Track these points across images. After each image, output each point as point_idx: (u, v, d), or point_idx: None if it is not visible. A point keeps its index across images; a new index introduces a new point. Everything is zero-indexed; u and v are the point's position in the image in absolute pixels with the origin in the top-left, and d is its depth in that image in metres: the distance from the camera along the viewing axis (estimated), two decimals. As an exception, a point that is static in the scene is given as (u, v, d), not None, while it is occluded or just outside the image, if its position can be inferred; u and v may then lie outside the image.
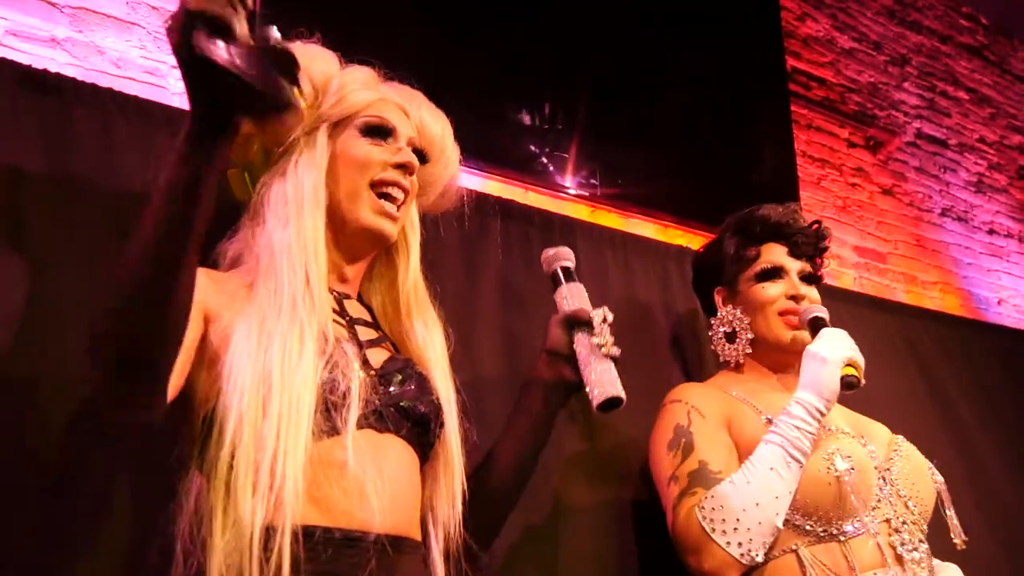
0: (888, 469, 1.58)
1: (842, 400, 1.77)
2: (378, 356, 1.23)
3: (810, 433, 1.46)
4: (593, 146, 2.37)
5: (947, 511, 1.60)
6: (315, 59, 1.30)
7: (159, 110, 1.62)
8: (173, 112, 1.64)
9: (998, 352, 2.96)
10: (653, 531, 1.66)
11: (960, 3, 4.09)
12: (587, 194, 2.32)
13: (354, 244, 1.30)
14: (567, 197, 2.29)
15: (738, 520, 1.42)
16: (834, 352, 1.50)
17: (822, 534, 1.48)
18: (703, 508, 1.45)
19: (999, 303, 3.48)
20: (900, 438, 1.67)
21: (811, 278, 1.77)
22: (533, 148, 2.28)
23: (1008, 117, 4.07)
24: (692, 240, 2.38)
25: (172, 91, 1.79)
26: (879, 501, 1.52)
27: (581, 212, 2.29)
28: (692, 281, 1.94)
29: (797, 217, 1.79)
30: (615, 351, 1.30)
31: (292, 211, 1.19)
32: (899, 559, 1.48)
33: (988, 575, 1.78)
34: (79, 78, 1.59)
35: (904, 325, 2.73)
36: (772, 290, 1.72)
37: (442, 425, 1.25)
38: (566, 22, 2.45)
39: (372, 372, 1.18)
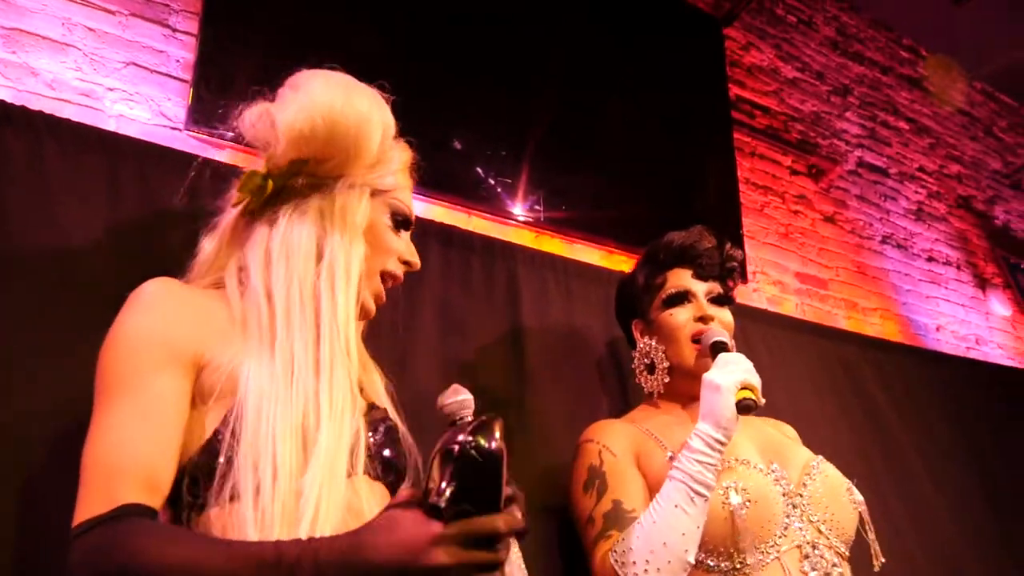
0: (799, 494, 1.56)
1: (767, 418, 1.79)
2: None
3: (711, 465, 1.45)
4: (538, 172, 2.38)
5: (867, 532, 1.60)
6: (386, 115, 1.30)
7: (93, 133, 1.60)
8: (106, 136, 1.62)
9: (936, 377, 3.02)
10: (576, 555, 1.66)
11: (901, 35, 4.20)
12: (532, 219, 2.33)
13: None
14: (512, 223, 2.30)
15: (647, 561, 1.42)
16: (727, 378, 1.48)
17: (726, 569, 1.48)
18: (615, 551, 1.45)
19: (938, 329, 3.56)
20: (818, 460, 1.63)
21: (721, 299, 1.74)
22: (479, 172, 2.29)
23: (947, 147, 4.18)
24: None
25: (108, 114, 1.77)
26: (786, 528, 1.51)
27: (526, 238, 2.30)
28: (616, 316, 1.92)
29: (701, 239, 1.77)
30: (513, 552, 1.24)
31: (341, 268, 1.18)
32: None
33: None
34: (10, 100, 1.57)
35: (844, 351, 2.78)
36: (681, 315, 1.71)
37: (404, 478, 1.25)
38: (513, 47, 2.47)
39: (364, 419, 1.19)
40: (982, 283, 3.93)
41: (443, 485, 0.89)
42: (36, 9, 1.78)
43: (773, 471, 1.57)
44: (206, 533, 1.01)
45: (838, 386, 2.68)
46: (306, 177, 1.22)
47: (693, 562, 1.42)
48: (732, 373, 1.48)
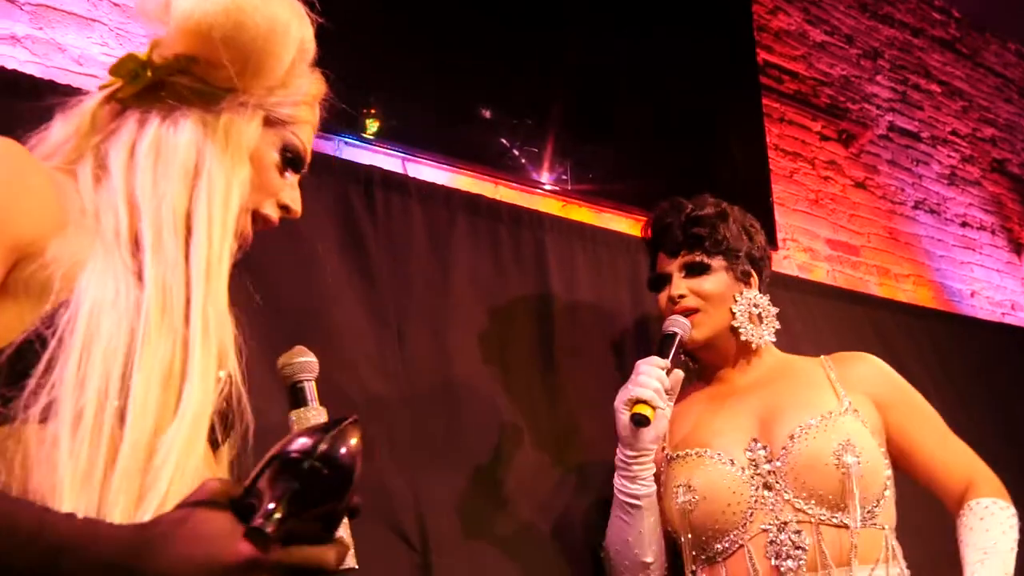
0: (772, 472, 1.53)
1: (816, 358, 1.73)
2: None
3: (630, 476, 1.56)
4: (565, 141, 2.36)
5: (859, 489, 1.49)
6: (306, 31, 1.10)
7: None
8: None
9: (970, 344, 2.98)
10: (604, 526, 1.69)
11: (932, -4, 4.12)
12: (559, 189, 2.32)
13: None
14: (539, 192, 2.29)
15: (614, 563, 1.61)
16: (620, 396, 1.56)
17: (704, 559, 1.56)
18: (603, 547, 1.65)
19: (972, 295, 3.51)
20: (807, 424, 1.55)
21: (695, 267, 1.68)
22: (504, 142, 2.28)
23: (980, 110, 4.10)
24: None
25: (135, 88, 1.77)
26: (751, 514, 1.51)
27: (553, 207, 2.29)
28: None
29: (662, 216, 1.73)
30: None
31: (220, 193, 0.99)
32: (776, 570, 1.48)
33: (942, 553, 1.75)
34: (39, 75, 1.57)
35: (876, 317, 2.75)
36: (661, 298, 1.71)
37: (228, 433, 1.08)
38: (538, 16, 2.44)
39: None
40: (1017, 248, 3.87)
41: (271, 506, 0.70)
42: (61, -15, 1.78)
43: (749, 451, 1.56)
44: (6, 450, 0.83)
45: (871, 353, 2.65)
46: (192, 79, 1.01)
47: (651, 559, 1.57)
48: (626, 391, 1.55)
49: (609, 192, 2.42)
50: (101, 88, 1.04)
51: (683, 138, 2.67)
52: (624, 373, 2.00)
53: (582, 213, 2.35)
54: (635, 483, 1.55)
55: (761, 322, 1.69)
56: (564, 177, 2.34)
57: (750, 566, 1.49)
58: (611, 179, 2.45)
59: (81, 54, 1.75)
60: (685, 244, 1.69)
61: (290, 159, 1.10)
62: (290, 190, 1.12)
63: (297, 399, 1.11)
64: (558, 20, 2.49)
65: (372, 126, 2.01)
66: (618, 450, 1.58)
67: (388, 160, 2.01)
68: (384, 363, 1.71)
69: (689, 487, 1.54)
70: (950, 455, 1.65)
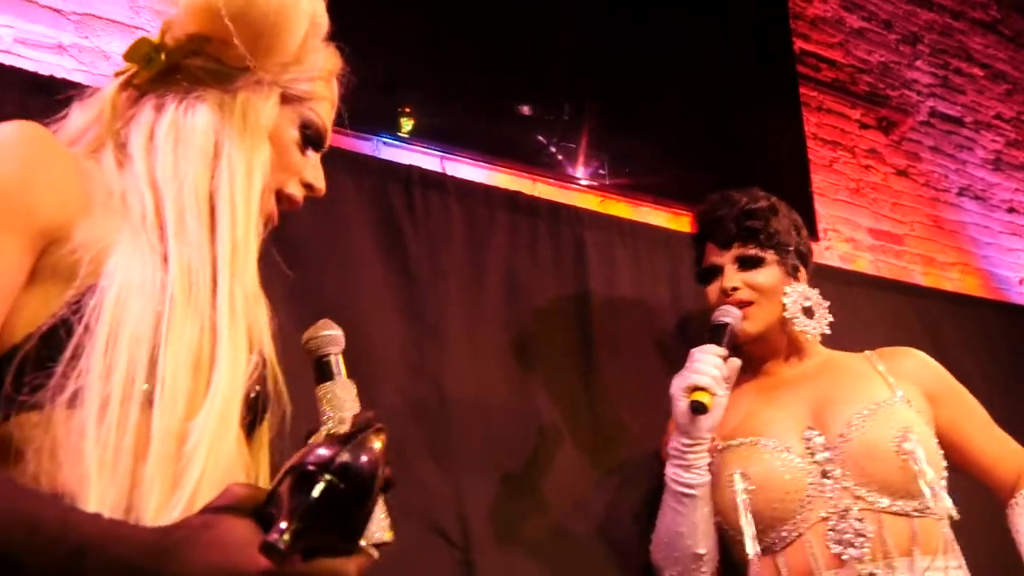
0: (830, 460, 1.52)
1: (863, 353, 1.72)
2: None
3: (685, 465, 1.54)
4: (601, 135, 2.36)
5: (921, 476, 1.48)
6: (318, 5, 1.08)
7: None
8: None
9: (1019, 332, 2.93)
10: (644, 523, 1.71)
11: (973, -21, 4.04)
12: (596, 184, 2.32)
13: None
14: (576, 187, 2.29)
15: (665, 556, 1.59)
16: (677, 383, 1.54)
17: (760, 548, 1.52)
18: (651, 542, 1.63)
19: (1020, 282, 3.44)
20: (863, 413, 1.55)
21: (750, 260, 1.68)
22: (541, 139, 2.28)
23: (1025, 93, 4.02)
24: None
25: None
26: (810, 501, 1.49)
27: (590, 202, 2.29)
28: None
29: (716, 208, 1.73)
30: None
31: (241, 173, 0.98)
32: (836, 558, 1.46)
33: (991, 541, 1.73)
34: (86, 83, 1.61)
35: (922, 307, 2.71)
36: (712, 291, 1.70)
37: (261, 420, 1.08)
38: (572, 11, 2.44)
39: None
40: (1066, 233, 3.79)
41: (283, 523, 0.68)
42: (104, -6, 1.82)
43: (806, 439, 1.55)
44: (33, 439, 0.81)
45: (917, 343, 2.60)
46: (206, 60, 1.01)
47: (704, 551, 1.54)
48: (683, 379, 1.53)
49: (647, 185, 2.42)
50: (117, 75, 1.03)
51: (720, 130, 2.65)
52: (665, 369, 1.99)
53: (620, 208, 2.35)
54: (690, 472, 1.54)
55: (813, 315, 1.68)
56: (601, 172, 2.34)
57: (810, 554, 1.47)
58: (648, 172, 2.44)
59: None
60: (739, 237, 1.69)
61: (310, 136, 1.08)
62: (312, 168, 1.10)
63: (323, 373, 1.08)
64: (592, 14, 2.48)
65: (408, 125, 2.03)
66: (672, 439, 1.56)
67: (426, 159, 2.02)
68: (423, 362, 1.72)
69: (745, 475, 1.52)
70: (1000, 447, 1.67)
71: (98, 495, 0.79)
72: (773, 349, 1.71)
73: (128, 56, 1.02)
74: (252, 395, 0.99)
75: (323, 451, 0.71)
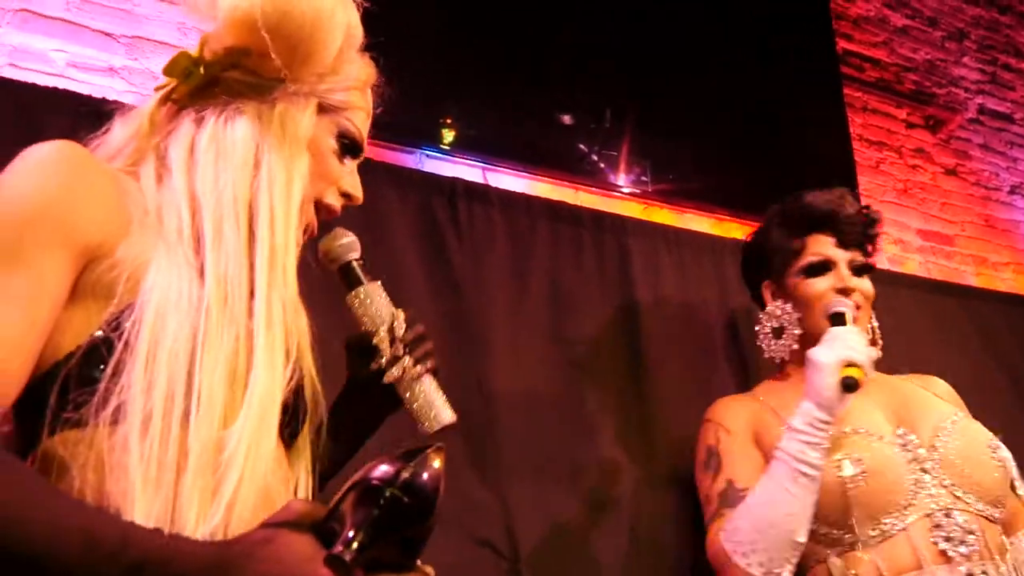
0: (930, 458, 1.50)
1: (915, 375, 1.71)
2: None
3: (814, 443, 1.42)
4: (643, 143, 2.36)
5: (1018, 488, 1.52)
6: (352, 16, 1.10)
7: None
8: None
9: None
10: (695, 530, 1.66)
11: (1020, -28, 3.96)
12: (639, 191, 2.31)
13: None
14: (619, 195, 2.29)
15: (755, 541, 1.42)
16: (829, 356, 1.44)
17: (849, 541, 1.45)
18: (724, 530, 1.46)
19: (1076, 281, 3.36)
20: (954, 417, 1.55)
21: (863, 268, 1.68)
22: (582, 147, 2.28)
23: (1077, 87, 3.92)
24: (748, 233, 2.36)
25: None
26: (914, 497, 1.45)
27: (634, 210, 2.28)
28: (741, 274, 1.88)
29: (844, 203, 1.69)
30: (418, 370, 1.06)
31: (281, 184, 0.99)
32: (943, 555, 1.42)
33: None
34: (136, 104, 1.64)
35: (974, 309, 2.65)
36: (820, 285, 1.64)
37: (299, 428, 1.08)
38: (612, 19, 2.44)
39: None
40: (1124, 230, 3.69)
41: (350, 534, 0.70)
42: (153, 16, 1.86)
43: (899, 436, 1.53)
44: (78, 455, 0.83)
45: (969, 346, 2.56)
46: (244, 72, 1.02)
47: (803, 541, 1.41)
48: (835, 350, 1.45)
49: (690, 191, 2.40)
50: (157, 89, 1.05)
51: (763, 134, 2.63)
52: (715, 374, 1.98)
53: (663, 214, 2.34)
54: (816, 450, 1.42)
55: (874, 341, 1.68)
56: (644, 179, 2.33)
57: (914, 551, 1.42)
58: (692, 178, 2.43)
59: (173, 83, 1.83)
60: (861, 241, 1.68)
61: (347, 145, 1.09)
62: (349, 176, 1.11)
63: (350, 279, 1.10)
64: (631, 20, 2.48)
65: (451, 136, 2.04)
66: (803, 413, 1.45)
67: (468, 170, 2.04)
68: (469, 373, 1.72)
69: (858, 460, 1.46)
70: None
71: (143, 509, 0.80)
72: None
73: (168, 71, 1.04)
74: (288, 404, 0.99)
75: (386, 467, 0.74)
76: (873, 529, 1.44)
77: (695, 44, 2.58)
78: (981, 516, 1.46)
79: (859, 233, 1.68)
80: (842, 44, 3.06)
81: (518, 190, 2.06)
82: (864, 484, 1.44)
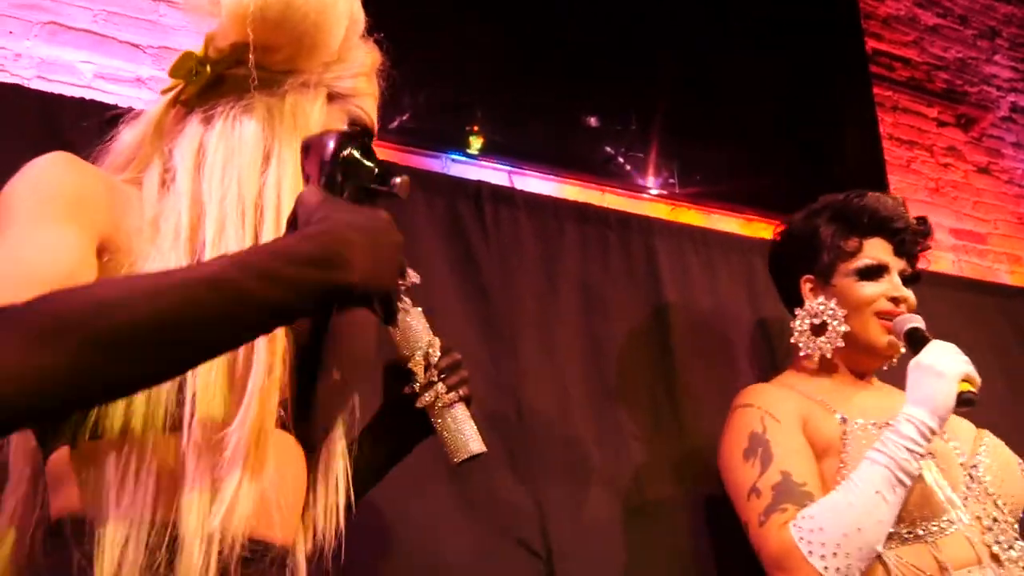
0: (974, 466, 1.50)
1: None
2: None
3: (920, 454, 1.38)
4: (670, 144, 2.34)
5: None
6: (355, 3, 1.09)
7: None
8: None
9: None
10: (728, 531, 1.62)
11: (1052, -32, 3.90)
12: (666, 192, 2.30)
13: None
14: (646, 197, 2.27)
15: (838, 545, 1.35)
16: (951, 367, 1.39)
17: (907, 535, 1.41)
18: (800, 527, 1.38)
19: (1114, 279, 3.29)
20: (986, 433, 1.57)
21: (912, 278, 1.66)
22: (609, 150, 2.27)
23: (1112, 83, 3.85)
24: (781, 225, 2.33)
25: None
26: (966, 499, 1.45)
27: (661, 211, 2.27)
28: (770, 265, 1.82)
29: (904, 212, 1.68)
30: (450, 397, 1.07)
31: (290, 176, 0.99)
32: (995, 557, 1.41)
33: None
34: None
35: (1008, 307, 2.61)
36: (872, 289, 1.61)
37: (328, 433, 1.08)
38: (639, 20, 2.43)
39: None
40: None
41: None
42: (179, 27, 1.87)
43: (947, 440, 1.53)
44: (71, 471, 0.83)
45: (1004, 345, 2.51)
46: (250, 68, 1.00)
47: (880, 551, 1.36)
48: (956, 363, 1.40)
49: (718, 193, 2.38)
50: (163, 92, 1.04)
51: (792, 134, 2.61)
52: (746, 373, 1.96)
53: (691, 216, 2.32)
54: (919, 460, 1.39)
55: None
56: (671, 180, 2.32)
57: (970, 546, 1.41)
58: (719, 180, 2.41)
59: (200, 91, 1.84)
60: (915, 251, 1.68)
61: (357, 128, 1.08)
62: None
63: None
64: (658, 20, 2.47)
65: (477, 143, 2.04)
66: (917, 418, 1.40)
67: (494, 174, 2.03)
68: (499, 376, 1.72)
69: (931, 454, 1.44)
70: None
71: (116, 517, 0.80)
72: (872, 367, 1.68)
73: (173, 72, 1.03)
74: (312, 402, 0.98)
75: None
76: (934, 524, 1.42)
77: (723, 46, 2.57)
78: (1014, 528, 1.47)
79: (915, 244, 1.67)
80: (871, 44, 3.03)
81: (545, 193, 2.06)
82: (936, 478, 1.43)
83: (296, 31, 1.00)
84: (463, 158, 2.02)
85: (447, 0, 2.13)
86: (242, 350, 0.87)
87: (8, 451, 0.92)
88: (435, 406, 1.07)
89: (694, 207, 2.34)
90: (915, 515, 1.41)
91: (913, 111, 3.05)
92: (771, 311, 2.03)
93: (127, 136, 1.02)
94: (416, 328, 1.11)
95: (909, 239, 1.65)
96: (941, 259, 2.80)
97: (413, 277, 1.07)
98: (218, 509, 0.82)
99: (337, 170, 0.89)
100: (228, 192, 0.94)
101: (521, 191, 1.99)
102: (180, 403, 0.84)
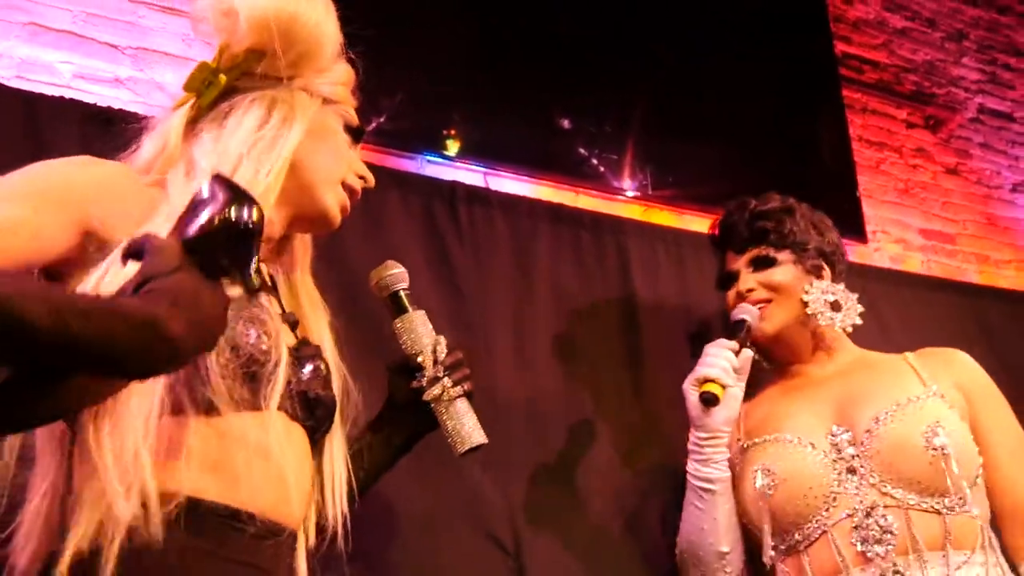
0: (857, 455, 1.49)
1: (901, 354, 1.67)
2: (287, 334, 1.12)
3: (702, 459, 1.53)
4: (643, 146, 2.37)
5: (950, 475, 1.43)
6: (336, 21, 1.20)
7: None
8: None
9: (1079, 328, 2.86)
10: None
11: (1019, -27, 3.97)
12: (640, 194, 2.33)
13: (300, 218, 1.20)
14: (620, 199, 2.31)
15: (688, 557, 1.57)
16: (688, 379, 1.55)
17: (784, 548, 1.51)
18: (677, 544, 1.61)
19: (1080, 278, 3.36)
20: (891, 409, 1.51)
21: (766, 260, 1.68)
22: (582, 151, 2.31)
23: (1078, 86, 3.93)
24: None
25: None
26: (835, 499, 1.46)
27: (635, 212, 2.30)
28: None
29: (728, 216, 1.75)
30: (456, 391, 1.19)
31: (267, 160, 1.09)
32: (862, 556, 1.42)
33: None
34: (142, 114, 1.67)
35: (977, 307, 2.66)
36: (730, 296, 1.71)
37: (332, 423, 1.16)
38: (613, 22, 2.47)
39: (290, 350, 1.08)
40: None
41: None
42: (158, 28, 1.89)
43: (832, 435, 1.52)
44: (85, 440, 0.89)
45: (973, 344, 2.55)
46: (257, 77, 1.14)
47: (727, 549, 1.52)
48: (694, 372, 1.54)
49: (691, 193, 2.42)
50: (177, 107, 1.15)
51: (763, 136, 2.65)
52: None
53: (664, 216, 2.36)
54: (708, 466, 1.53)
55: (839, 309, 1.65)
56: (644, 182, 2.35)
57: (835, 552, 1.44)
58: (693, 182, 2.44)
59: (178, 91, 1.85)
60: (751, 239, 1.70)
61: (353, 130, 1.23)
62: (359, 161, 1.25)
63: (398, 306, 1.24)
64: (631, 24, 2.50)
65: (453, 147, 2.07)
66: (690, 434, 1.57)
67: (470, 175, 2.06)
68: (473, 372, 1.74)
69: (768, 471, 1.50)
70: (1017, 473, 1.55)
71: (113, 489, 0.86)
72: (796, 349, 1.69)
73: (188, 86, 1.14)
74: (312, 396, 1.09)
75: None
76: (798, 533, 1.48)
77: (693, 47, 2.60)
78: (918, 510, 1.43)
79: (745, 232, 1.70)
80: (841, 47, 3.08)
81: (520, 194, 2.09)
82: (777, 493, 1.49)
83: (301, 37, 1.14)
84: (439, 159, 2.05)
85: (423, 1, 2.16)
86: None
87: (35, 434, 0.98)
88: (441, 399, 1.18)
89: (667, 208, 2.37)
90: (778, 527, 1.50)
91: (882, 113, 3.10)
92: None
93: (148, 145, 1.14)
94: (421, 328, 1.22)
95: (735, 236, 1.72)
96: (910, 259, 2.86)
97: (404, 280, 1.23)
98: (231, 487, 0.94)
99: (221, 251, 0.80)
100: (246, 174, 1.06)
101: (496, 191, 2.02)
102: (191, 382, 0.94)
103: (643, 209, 2.34)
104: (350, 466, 1.18)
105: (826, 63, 2.94)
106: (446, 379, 1.20)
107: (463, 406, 1.19)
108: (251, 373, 0.98)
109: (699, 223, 2.40)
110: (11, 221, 0.88)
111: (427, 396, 1.19)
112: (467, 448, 1.17)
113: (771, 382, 1.73)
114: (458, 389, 1.20)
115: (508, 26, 2.28)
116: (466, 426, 1.17)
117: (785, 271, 1.66)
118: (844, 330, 1.66)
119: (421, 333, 1.23)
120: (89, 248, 0.95)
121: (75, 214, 0.94)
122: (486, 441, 1.17)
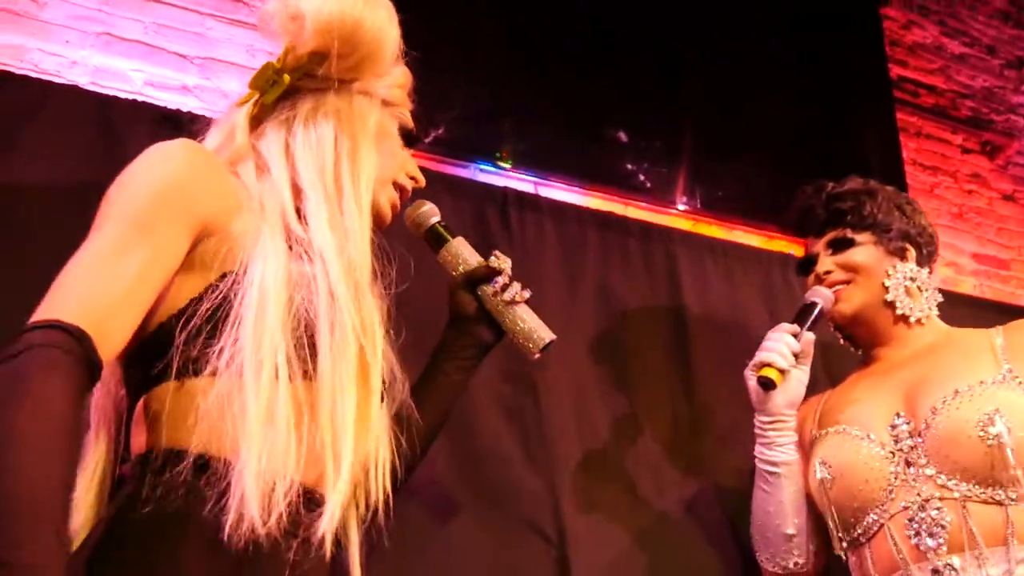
0: (915, 446, 1.43)
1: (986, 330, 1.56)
2: None
3: (766, 442, 1.54)
4: (694, 161, 2.40)
5: (1008, 465, 1.35)
6: (397, 25, 1.25)
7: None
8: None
9: None
10: (739, 526, 1.72)
11: (1081, 1, 3.92)
12: (689, 208, 2.35)
13: None
14: (668, 212, 2.33)
15: (758, 540, 1.58)
16: (748, 367, 1.56)
17: (849, 540, 1.49)
18: (750, 527, 1.61)
19: None
20: (949, 396, 1.43)
21: (843, 242, 1.63)
22: (630, 166, 2.33)
23: None
24: (797, 249, 2.37)
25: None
26: (891, 492, 1.42)
27: (683, 226, 2.32)
28: None
29: (803, 200, 1.71)
30: (526, 294, 1.27)
31: (360, 165, 1.16)
32: (916, 549, 1.38)
33: None
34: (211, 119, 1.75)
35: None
36: (809, 281, 1.67)
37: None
38: (666, 37, 2.50)
39: None
40: None
41: None
42: (224, 39, 1.98)
43: (892, 427, 1.47)
44: (196, 399, 0.95)
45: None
46: (320, 79, 1.18)
47: (793, 532, 1.52)
48: (755, 356, 1.54)
49: (740, 208, 2.43)
50: (240, 103, 1.20)
51: (816, 155, 2.65)
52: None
53: (712, 231, 2.37)
54: (772, 449, 1.53)
55: (920, 295, 1.60)
56: (694, 197, 2.37)
57: (893, 546, 1.40)
58: (742, 199, 2.46)
59: (243, 98, 1.94)
60: (828, 221, 1.65)
61: (407, 133, 1.27)
62: (411, 162, 1.29)
63: (438, 239, 1.31)
64: (685, 38, 2.53)
65: (504, 153, 2.12)
66: (755, 418, 1.57)
67: (521, 185, 2.10)
68: (519, 374, 1.77)
69: (826, 464, 1.49)
70: None
71: (257, 446, 0.92)
72: (878, 333, 1.62)
73: (253, 83, 1.19)
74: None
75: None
76: (859, 527, 1.46)
77: (748, 65, 2.62)
78: (976, 501, 1.37)
79: (823, 215, 1.66)
80: (896, 70, 3.08)
81: (568, 202, 2.12)
82: (834, 486, 1.47)
83: (365, 40, 1.18)
84: (491, 168, 2.09)
85: (480, 18, 2.22)
86: (360, 331, 1.04)
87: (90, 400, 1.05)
88: (516, 301, 1.25)
89: (716, 222, 2.39)
90: (840, 520, 1.48)
91: (937, 137, 3.08)
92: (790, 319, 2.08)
93: (213, 139, 1.19)
94: (467, 250, 1.31)
95: (812, 220, 1.67)
96: (962, 283, 2.82)
97: (436, 213, 1.30)
98: (326, 464, 0.98)
99: None
100: (315, 179, 1.12)
101: (546, 198, 2.06)
102: (297, 359, 0.99)
103: (692, 223, 2.35)
104: (419, 415, 1.23)
105: (881, 85, 2.94)
106: (516, 283, 1.27)
107: (528, 309, 1.25)
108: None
109: (748, 239, 2.41)
110: (139, 268, 0.94)
111: (506, 296, 1.25)
112: (543, 345, 1.23)
113: (856, 368, 1.68)
114: (527, 292, 1.27)
115: (562, 36, 2.32)
116: (539, 326, 1.24)
117: (865, 251, 1.61)
118: (919, 320, 1.59)
119: (469, 253, 1.29)
120: (203, 236, 1.02)
121: (189, 220, 1.00)
122: (555, 337, 1.24)
